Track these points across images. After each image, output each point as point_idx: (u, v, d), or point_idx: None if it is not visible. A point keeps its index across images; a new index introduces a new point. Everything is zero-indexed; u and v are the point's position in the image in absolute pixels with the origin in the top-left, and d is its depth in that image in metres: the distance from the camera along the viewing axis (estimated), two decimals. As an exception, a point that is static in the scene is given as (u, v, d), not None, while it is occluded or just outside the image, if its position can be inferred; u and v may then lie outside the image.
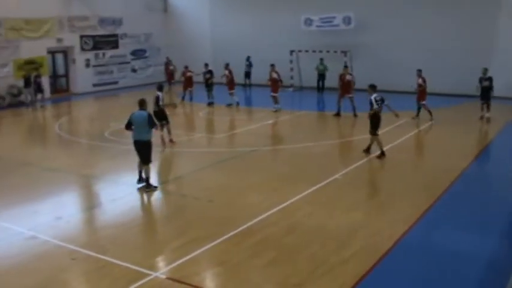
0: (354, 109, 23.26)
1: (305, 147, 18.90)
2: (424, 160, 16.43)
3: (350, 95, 23.51)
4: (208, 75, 27.85)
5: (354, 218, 11.52)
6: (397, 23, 30.21)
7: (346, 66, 25.77)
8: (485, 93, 22.73)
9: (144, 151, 13.75)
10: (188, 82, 28.90)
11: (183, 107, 27.73)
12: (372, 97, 16.51)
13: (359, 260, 9.41)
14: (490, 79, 22.84)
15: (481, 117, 22.69)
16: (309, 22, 32.76)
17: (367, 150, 16.86)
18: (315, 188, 13.51)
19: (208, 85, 27.70)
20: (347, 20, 31.28)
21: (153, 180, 14.49)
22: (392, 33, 30.34)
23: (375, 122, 16.53)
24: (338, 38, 31.83)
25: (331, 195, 13.17)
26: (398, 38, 30.18)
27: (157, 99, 18.15)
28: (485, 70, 23.07)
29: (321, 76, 31.96)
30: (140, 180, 14.06)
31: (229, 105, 27.07)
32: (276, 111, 25.00)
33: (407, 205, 12.31)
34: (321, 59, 31.90)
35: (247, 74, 34.87)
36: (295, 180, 14.37)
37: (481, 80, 22.86)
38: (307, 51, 32.40)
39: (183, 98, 28.65)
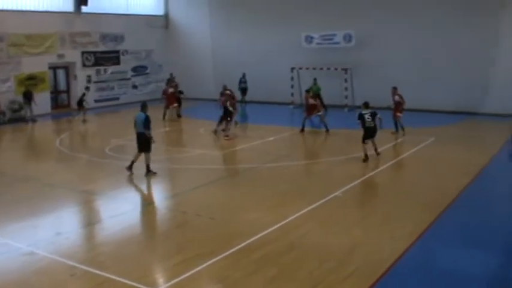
0: (325, 126, 23.93)
1: (305, 165, 18.93)
2: (424, 178, 16.39)
3: (319, 113, 24.47)
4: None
5: (353, 236, 11.48)
6: (399, 41, 30.30)
7: (307, 91, 25.86)
8: None
9: (143, 142, 16.69)
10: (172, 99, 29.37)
11: (183, 123, 27.86)
12: (363, 112, 18.81)
13: (358, 278, 9.37)
14: None
15: None
16: (309, 39, 32.87)
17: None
18: (315, 205, 13.47)
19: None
20: (348, 38, 31.37)
21: (153, 197, 14.82)
22: (394, 51, 30.42)
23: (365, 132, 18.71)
24: (339, 56, 31.91)
25: (331, 212, 13.13)
26: (399, 56, 30.23)
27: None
28: None
29: (317, 96, 31.32)
30: (130, 167, 16.77)
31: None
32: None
33: (407, 223, 12.25)
34: (315, 79, 31.23)
35: (244, 91, 34.82)
36: (295, 198, 14.35)
37: None
38: (307, 68, 32.49)
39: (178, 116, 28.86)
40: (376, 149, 18.85)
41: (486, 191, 15.50)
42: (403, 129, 22.95)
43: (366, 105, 19.10)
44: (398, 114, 23.08)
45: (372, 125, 18.63)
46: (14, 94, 30.04)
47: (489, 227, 12.25)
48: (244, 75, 34.54)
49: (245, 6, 35.60)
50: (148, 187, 16.33)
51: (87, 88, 31.10)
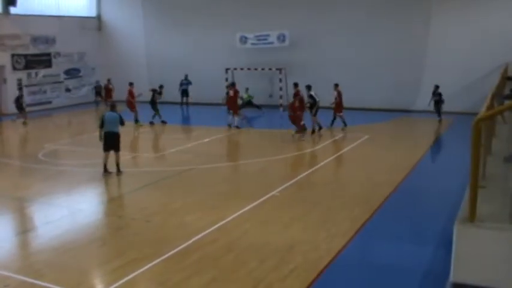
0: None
1: (242, 165, 19.00)
2: (360, 175, 16.71)
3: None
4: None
5: (292, 234, 11.61)
6: (332, 41, 30.88)
7: (296, 84, 25.82)
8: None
9: (115, 140, 17.08)
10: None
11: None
12: (311, 93, 23.47)
13: (298, 275, 9.48)
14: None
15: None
16: (244, 40, 33.03)
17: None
18: (252, 205, 13.56)
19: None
20: (282, 38, 31.71)
21: (88, 202, 14.69)
22: (328, 51, 30.99)
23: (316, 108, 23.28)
24: (273, 56, 32.19)
25: (268, 212, 13.24)
26: (333, 55, 30.81)
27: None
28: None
29: (248, 103, 31.09)
30: (105, 170, 17.14)
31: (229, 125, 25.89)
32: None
33: (344, 219, 12.50)
34: (247, 89, 31.59)
35: (185, 92, 34.60)
36: (232, 198, 14.41)
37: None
38: (242, 68, 32.60)
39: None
40: (319, 125, 23.43)
41: (419, 186, 15.92)
42: (332, 124, 24.19)
43: (309, 87, 23.74)
44: (340, 113, 23.88)
45: (319, 105, 23.36)
46: None
47: (423, 222, 12.62)
48: (186, 77, 34.34)
49: (179, 7, 35.48)
50: (84, 192, 16.06)
51: (20, 88, 30.20)
